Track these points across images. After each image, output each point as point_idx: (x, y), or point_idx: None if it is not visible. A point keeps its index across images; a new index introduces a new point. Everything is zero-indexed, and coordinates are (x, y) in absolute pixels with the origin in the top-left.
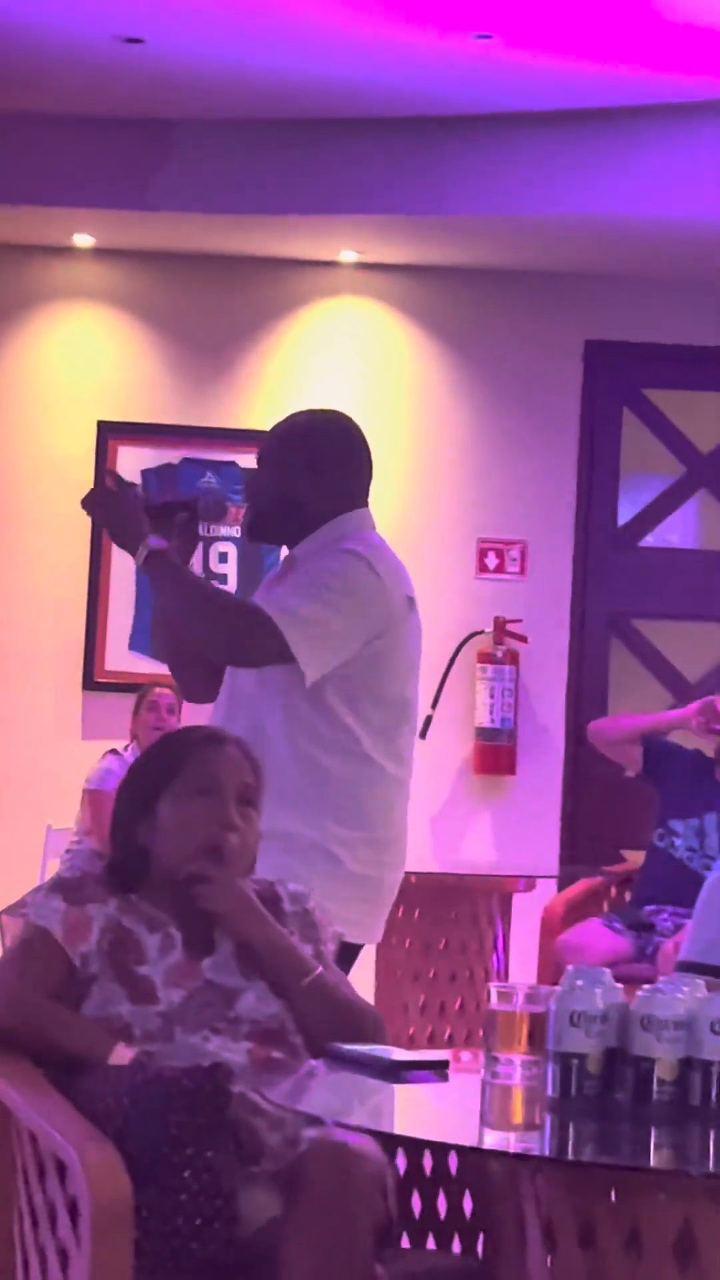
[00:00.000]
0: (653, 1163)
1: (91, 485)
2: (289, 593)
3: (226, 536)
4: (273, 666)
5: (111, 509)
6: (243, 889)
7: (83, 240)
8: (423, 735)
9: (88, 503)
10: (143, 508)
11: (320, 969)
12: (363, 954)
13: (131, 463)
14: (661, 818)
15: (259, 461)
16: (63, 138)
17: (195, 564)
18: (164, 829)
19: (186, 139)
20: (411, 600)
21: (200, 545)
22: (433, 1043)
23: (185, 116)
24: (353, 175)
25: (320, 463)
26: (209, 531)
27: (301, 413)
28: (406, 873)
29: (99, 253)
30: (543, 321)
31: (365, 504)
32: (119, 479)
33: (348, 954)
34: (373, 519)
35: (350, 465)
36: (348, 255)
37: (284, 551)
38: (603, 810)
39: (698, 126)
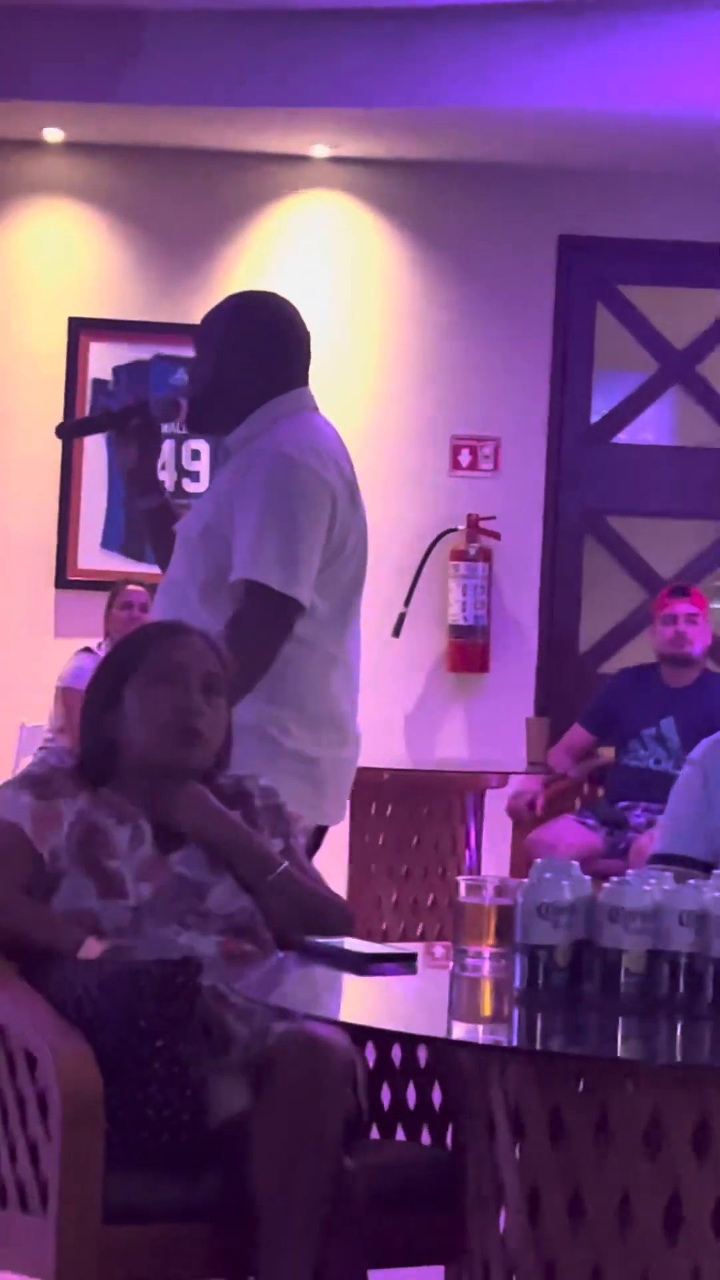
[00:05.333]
0: (620, 1053)
1: (63, 382)
2: (247, 539)
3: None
4: (203, 555)
5: None
6: (201, 793)
7: (53, 134)
8: (396, 633)
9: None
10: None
11: (286, 864)
12: (336, 849)
13: (103, 359)
14: (623, 741)
15: (194, 350)
16: (32, 30)
17: (168, 463)
18: (129, 719)
19: (157, 31)
20: (351, 484)
21: (172, 444)
22: (405, 938)
23: (155, 7)
24: (325, 68)
25: (244, 344)
26: (181, 429)
27: (230, 296)
28: (380, 769)
29: (69, 147)
30: (516, 216)
31: (301, 384)
32: None
33: (312, 837)
34: (311, 399)
35: (278, 345)
36: (320, 149)
37: None
38: (576, 707)
39: (673, 18)
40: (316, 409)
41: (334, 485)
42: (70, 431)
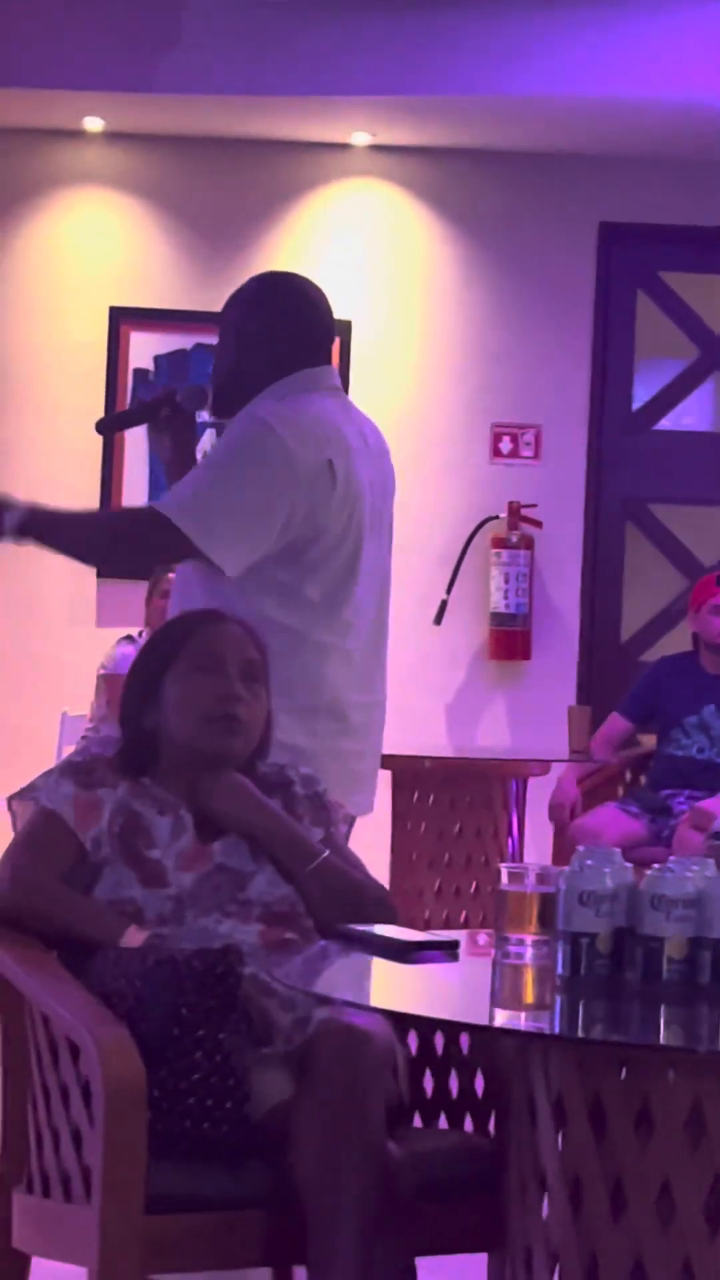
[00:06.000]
0: (662, 1040)
1: (105, 372)
2: (191, 477)
3: None
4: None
5: None
6: (240, 782)
7: (93, 124)
8: (438, 621)
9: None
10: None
11: (326, 853)
12: (377, 838)
13: (144, 349)
14: (665, 730)
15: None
16: (72, 19)
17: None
18: (169, 709)
19: (196, 19)
20: (332, 464)
21: (212, 434)
22: (448, 926)
23: None
24: (365, 56)
25: (260, 327)
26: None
27: (251, 279)
28: (422, 757)
29: (110, 136)
30: (556, 203)
31: (313, 364)
32: None
33: None
34: (324, 379)
35: (294, 326)
36: (360, 137)
37: None
38: (617, 694)
39: (717, 3)
40: (331, 389)
41: (302, 462)
42: (108, 427)
